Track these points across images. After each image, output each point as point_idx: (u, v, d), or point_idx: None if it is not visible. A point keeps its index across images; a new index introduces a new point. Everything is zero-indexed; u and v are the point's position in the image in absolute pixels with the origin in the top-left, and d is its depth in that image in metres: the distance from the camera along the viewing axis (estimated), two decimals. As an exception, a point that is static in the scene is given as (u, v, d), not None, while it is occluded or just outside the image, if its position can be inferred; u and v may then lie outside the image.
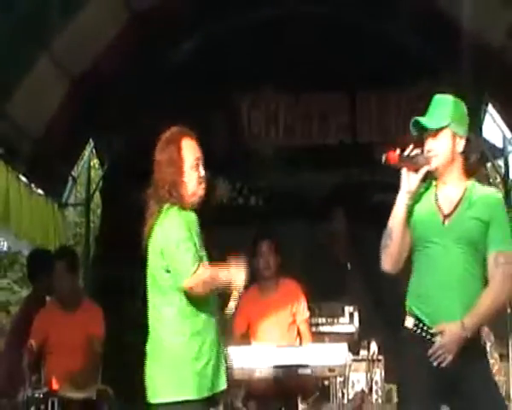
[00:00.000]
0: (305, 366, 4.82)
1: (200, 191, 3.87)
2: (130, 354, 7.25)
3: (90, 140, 8.40)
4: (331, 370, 4.86)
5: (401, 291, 3.67)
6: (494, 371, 6.56)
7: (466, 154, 3.62)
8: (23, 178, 6.67)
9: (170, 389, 3.65)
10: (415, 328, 3.55)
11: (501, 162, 8.65)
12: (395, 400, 4.93)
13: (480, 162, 5.24)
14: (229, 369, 3.92)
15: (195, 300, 3.71)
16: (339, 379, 5.23)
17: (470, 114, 3.74)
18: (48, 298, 6.08)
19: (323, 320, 6.69)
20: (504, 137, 8.10)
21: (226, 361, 3.86)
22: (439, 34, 7.26)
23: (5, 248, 14.63)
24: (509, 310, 7.45)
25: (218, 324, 3.82)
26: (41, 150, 6.77)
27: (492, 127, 8.22)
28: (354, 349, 6.22)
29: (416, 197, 3.63)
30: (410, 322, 3.58)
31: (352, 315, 6.71)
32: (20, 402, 4.77)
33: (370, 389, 6.32)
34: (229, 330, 3.90)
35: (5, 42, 5.57)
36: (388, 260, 3.64)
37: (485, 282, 3.52)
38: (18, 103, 6.14)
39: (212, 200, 3.94)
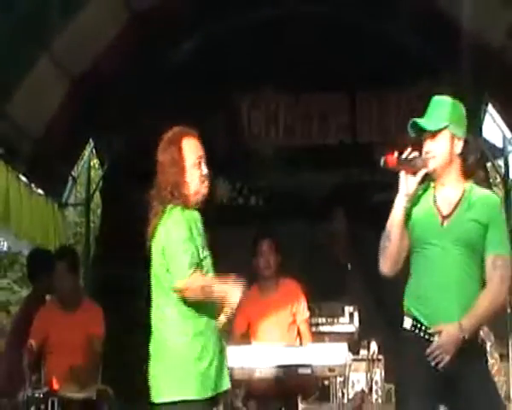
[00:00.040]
0: (305, 366, 4.82)
1: (203, 190, 3.87)
2: (130, 354, 7.28)
3: (90, 140, 8.40)
4: (331, 370, 4.86)
5: (401, 291, 3.67)
6: (494, 371, 6.58)
7: (464, 155, 3.62)
8: (23, 178, 6.67)
9: (173, 388, 3.65)
10: (413, 329, 3.55)
11: (501, 162, 8.65)
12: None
13: (479, 164, 5.23)
14: (229, 369, 3.92)
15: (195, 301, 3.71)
16: (339, 379, 5.22)
17: (470, 115, 3.74)
18: (48, 297, 6.08)
19: (323, 320, 6.69)
20: (504, 137, 8.10)
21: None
22: (439, 34, 7.26)
23: (5, 248, 14.63)
24: (508, 310, 7.46)
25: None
26: (41, 150, 6.77)
27: (492, 127, 8.23)
28: (354, 349, 6.22)
29: (415, 199, 3.63)
30: (408, 323, 3.58)
31: (351, 315, 6.71)
32: (20, 402, 4.77)
33: (370, 389, 6.32)
34: (229, 330, 3.89)
35: (5, 42, 5.57)
36: (386, 263, 3.64)
37: (483, 283, 3.54)
38: (18, 103, 6.14)
39: (213, 199, 3.92)
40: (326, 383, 5.22)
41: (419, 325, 3.53)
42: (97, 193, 9.03)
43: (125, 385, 6.05)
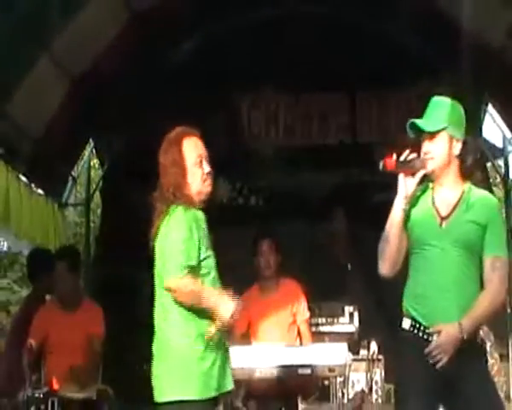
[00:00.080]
0: (306, 366, 4.82)
1: (206, 188, 3.86)
2: (130, 354, 7.28)
3: (90, 140, 8.40)
4: (331, 370, 4.86)
5: (401, 291, 3.67)
6: (494, 371, 6.58)
7: (463, 157, 3.62)
8: (23, 178, 6.68)
9: (176, 388, 3.64)
10: (411, 329, 3.55)
11: (501, 162, 8.65)
12: (395, 400, 4.94)
13: (478, 165, 5.23)
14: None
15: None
16: (339, 379, 5.22)
17: (470, 115, 3.74)
18: (48, 297, 6.08)
19: (323, 320, 6.70)
20: (504, 137, 8.10)
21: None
22: (439, 34, 7.26)
23: (5, 248, 14.63)
24: (508, 310, 7.47)
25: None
26: (41, 150, 6.78)
27: (492, 127, 8.24)
28: (354, 349, 6.22)
29: (413, 200, 3.64)
30: (406, 323, 3.58)
31: (351, 315, 6.72)
32: (20, 402, 4.77)
33: (370, 389, 6.32)
34: (229, 330, 3.88)
35: (5, 42, 5.58)
36: (385, 264, 3.64)
37: (481, 284, 3.54)
38: (18, 103, 6.14)
39: (213, 199, 3.90)
40: (326, 383, 5.22)
41: (418, 325, 3.53)
42: (97, 193, 9.03)
43: (125, 385, 6.05)
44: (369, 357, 6.39)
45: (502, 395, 6.10)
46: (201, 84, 8.01)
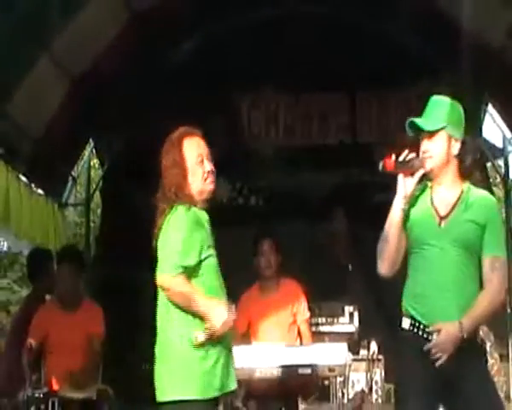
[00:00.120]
0: (306, 366, 4.82)
1: (208, 186, 3.85)
2: (130, 354, 7.28)
3: (90, 140, 8.40)
4: (331, 370, 4.86)
5: (401, 291, 3.67)
6: (494, 371, 6.58)
7: (462, 156, 3.63)
8: (23, 178, 6.68)
9: (177, 388, 3.64)
10: (411, 328, 3.56)
11: (501, 162, 8.65)
12: (395, 399, 4.94)
13: (478, 164, 5.23)
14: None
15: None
16: (339, 379, 5.22)
17: (470, 115, 3.74)
18: (48, 297, 6.08)
19: (323, 320, 6.70)
20: (504, 137, 8.11)
21: None
22: (439, 34, 7.26)
23: (5, 248, 14.63)
24: (508, 310, 7.47)
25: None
26: (41, 150, 6.78)
27: (492, 127, 8.24)
28: (354, 349, 6.22)
29: (412, 200, 3.64)
30: (406, 323, 3.59)
31: (351, 315, 6.72)
32: (20, 402, 4.77)
33: (370, 389, 6.33)
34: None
35: (5, 42, 5.58)
36: (385, 264, 3.65)
37: (480, 283, 3.55)
38: (18, 103, 6.14)
39: (213, 199, 3.90)
40: (326, 383, 5.21)
41: (417, 324, 3.54)
42: (97, 193, 9.03)
43: (125, 385, 6.05)
44: (369, 357, 6.39)
45: (502, 395, 6.10)
46: (201, 85, 8.01)
